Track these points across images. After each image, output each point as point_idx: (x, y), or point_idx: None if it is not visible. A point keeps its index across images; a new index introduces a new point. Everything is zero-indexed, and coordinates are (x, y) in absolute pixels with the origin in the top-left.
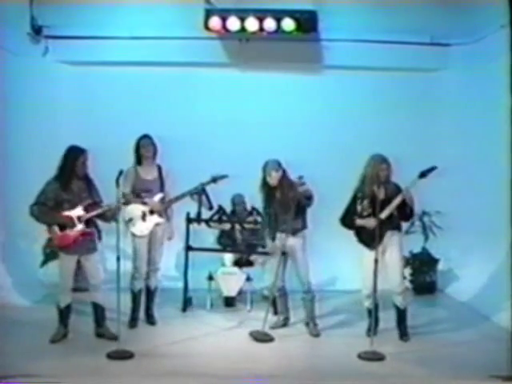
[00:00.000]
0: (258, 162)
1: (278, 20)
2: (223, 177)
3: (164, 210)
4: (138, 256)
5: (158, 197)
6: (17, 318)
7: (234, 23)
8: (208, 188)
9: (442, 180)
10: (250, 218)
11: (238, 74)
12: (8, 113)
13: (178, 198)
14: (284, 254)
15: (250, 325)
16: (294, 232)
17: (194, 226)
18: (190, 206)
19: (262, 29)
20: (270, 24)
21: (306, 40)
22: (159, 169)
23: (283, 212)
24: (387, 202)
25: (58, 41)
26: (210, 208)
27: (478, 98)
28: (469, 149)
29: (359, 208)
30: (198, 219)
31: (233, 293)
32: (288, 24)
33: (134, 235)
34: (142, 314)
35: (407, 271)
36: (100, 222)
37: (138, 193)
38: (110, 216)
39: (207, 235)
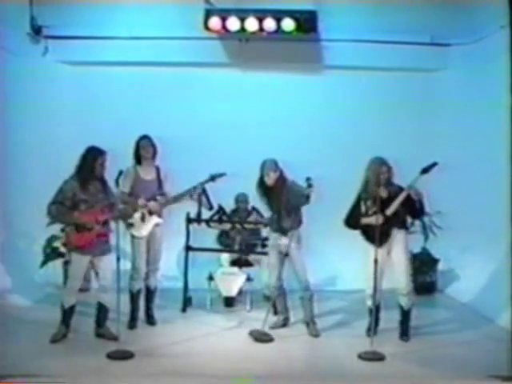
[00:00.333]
0: (258, 162)
1: (278, 20)
2: (221, 175)
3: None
4: (137, 256)
5: (157, 197)
6: (17, 318)
7: (233, 23)
8: (208, 188)
9: (442, 180)
10: (250, 218)
11: (238, 74)
12: (8, 113)
13: (176, 198)
14: (280, 252)
15: (249, 325)
16: (289, 231)
17: (193, 226)
18: (190, 206)
19: (261, 29)
20: (269, 24)
21: (306, 40)
22: (157, 170)
23: (278, 211)
24: (391, 200)
25: (58, 41)
26: (210, 208)
27: (477, 98)
28: (469, 149)
29: (364, 208)
30: (198, 219)
31: (233, 293)
32: (288, 24)
33: (133, 236)
34: (141, 314)
35: None
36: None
37: (138, 193)
38: (123, 217)
39: (207, 235)
